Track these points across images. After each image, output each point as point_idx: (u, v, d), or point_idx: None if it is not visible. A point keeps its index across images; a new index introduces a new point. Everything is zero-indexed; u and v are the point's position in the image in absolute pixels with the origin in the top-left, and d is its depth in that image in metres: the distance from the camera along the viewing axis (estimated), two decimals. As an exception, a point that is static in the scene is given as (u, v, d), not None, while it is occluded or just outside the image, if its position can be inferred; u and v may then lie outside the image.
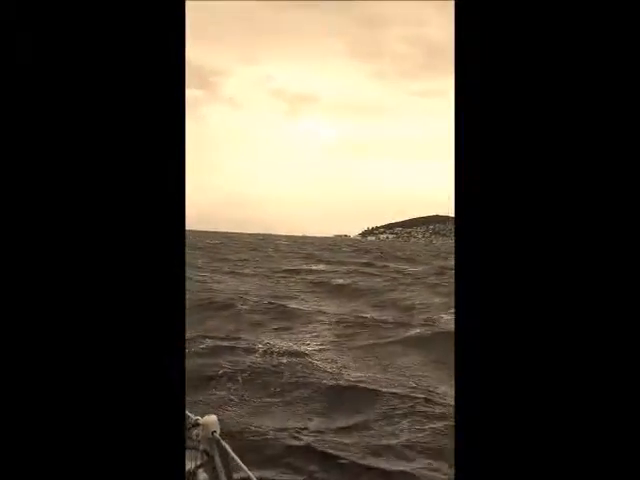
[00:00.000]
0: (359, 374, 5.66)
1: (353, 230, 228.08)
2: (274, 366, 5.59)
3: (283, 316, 9.19)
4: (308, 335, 7.72)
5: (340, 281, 16.12)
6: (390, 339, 7.66)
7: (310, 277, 17.55)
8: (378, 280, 17.00)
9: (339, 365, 6.01)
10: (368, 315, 10.15)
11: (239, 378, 5.15)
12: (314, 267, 22.27)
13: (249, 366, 5.49)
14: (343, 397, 4.76)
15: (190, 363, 5.28)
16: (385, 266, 25.46)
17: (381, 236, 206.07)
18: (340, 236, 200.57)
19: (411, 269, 24.06)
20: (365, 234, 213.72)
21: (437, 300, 12.90)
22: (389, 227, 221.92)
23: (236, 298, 10.73)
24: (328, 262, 27.31)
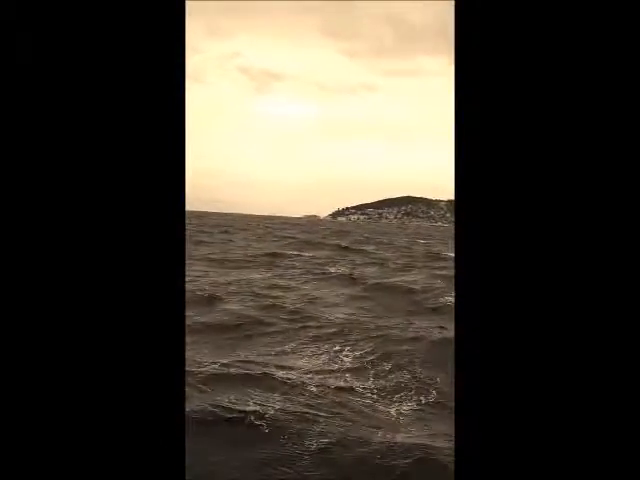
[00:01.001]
0: (420, 424, 4.26)
1: (323, 211, 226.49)
2: (305, 406, 4.11)
3: (287, 317, 7.69)
4: (327, 346, 6.25)
5: (332, 270, 14.71)
6: (420, 343, 6.33)
7: (298, 263, 16.11)
8: (373, 269, 15.63)
9: (387, 400, 4.56)
10: (378, 311, 8.86)
11: (262, 429, 3.66)
12: (297, 252, 20.79)
13: (270, 411, 3.98)
14: (422, 469, 3.32)
15: (191, 403, 3.79)
16: (368, 251, 24.23)
17: (352, 217, 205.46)
18: (310, 217, 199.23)
19: (399, 255, 22.81)
20: (335, 215, 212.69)
21: (438, 284, 11.85)
22: (360, 208, 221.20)
23: (222, 293, 9.22)
24: (308, 244, 26.03)
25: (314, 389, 4.46)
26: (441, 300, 9.79)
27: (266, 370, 4.84)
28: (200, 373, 4.61)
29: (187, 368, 4.41)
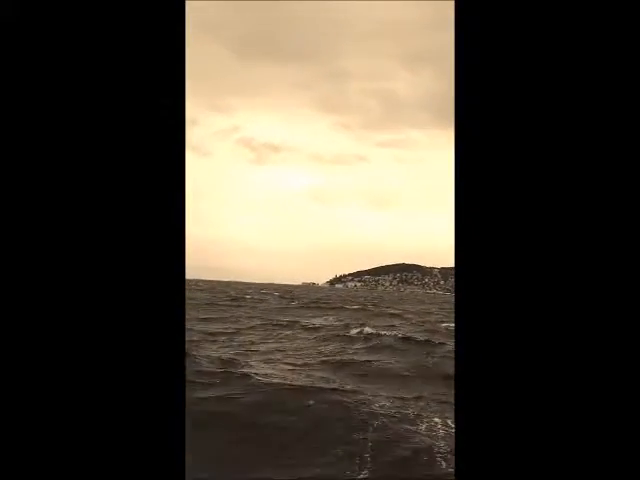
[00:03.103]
0: None
1: (321, 278, 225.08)
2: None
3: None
4: None
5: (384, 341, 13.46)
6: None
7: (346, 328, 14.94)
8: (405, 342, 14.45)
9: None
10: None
11: None
12: (326, 321, 19.62)
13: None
14: None
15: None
16: (392, 314, 23.11)
17: (349, 284, 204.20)
18: (308, 284, 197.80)
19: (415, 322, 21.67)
20: (333, 282, 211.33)
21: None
22: (357, 275, 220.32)
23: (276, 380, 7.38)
24: (331, 309, 24.91)
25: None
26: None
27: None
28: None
29: None
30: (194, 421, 4.67)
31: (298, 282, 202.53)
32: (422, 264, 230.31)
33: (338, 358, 9.48)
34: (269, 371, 7.53)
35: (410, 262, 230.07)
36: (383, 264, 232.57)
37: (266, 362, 8.59)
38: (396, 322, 19.96)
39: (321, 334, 13.97)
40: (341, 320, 19.73)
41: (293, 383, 6.55)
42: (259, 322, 17.05)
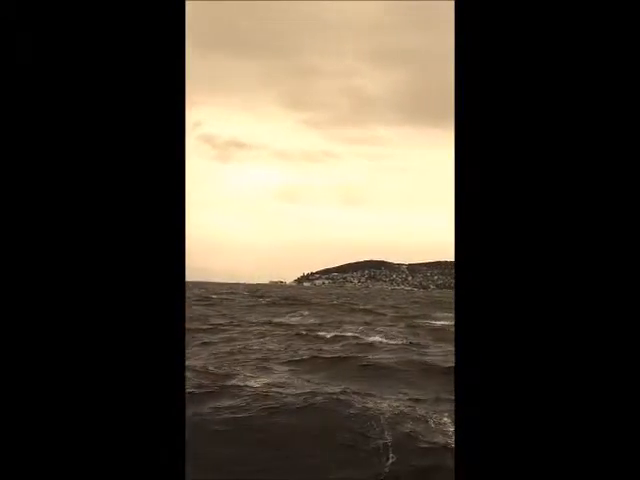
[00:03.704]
0: None
1: (288, 276, 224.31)
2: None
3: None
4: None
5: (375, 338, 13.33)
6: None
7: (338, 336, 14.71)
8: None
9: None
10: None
11: None
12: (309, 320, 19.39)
13: None
14: None
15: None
16: (372, 311, 23.05)
17: (317, 282, 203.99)
18: (276, 282, 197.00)
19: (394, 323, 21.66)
20: (301, 280, 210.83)
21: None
22: (325, 272, 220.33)
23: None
24: (304, 305, 24.76)
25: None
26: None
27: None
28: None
29: None
30: (212, 432, 4.63)
31: (265, 281, 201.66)
32: (390, 260, 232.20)
33: (328, 356, 9.23)
34: (263, 373, 7.23)
35: (378, 259, 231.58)
36: (351, 261, 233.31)
37: (255, 362, 8.28)
38: (373, 318, 19.86)
39: (300, 332, 13.73)
40: (317, 317, 19.53)
41: (290, 382, 6.27)
42: (234, 321, 16.69)
